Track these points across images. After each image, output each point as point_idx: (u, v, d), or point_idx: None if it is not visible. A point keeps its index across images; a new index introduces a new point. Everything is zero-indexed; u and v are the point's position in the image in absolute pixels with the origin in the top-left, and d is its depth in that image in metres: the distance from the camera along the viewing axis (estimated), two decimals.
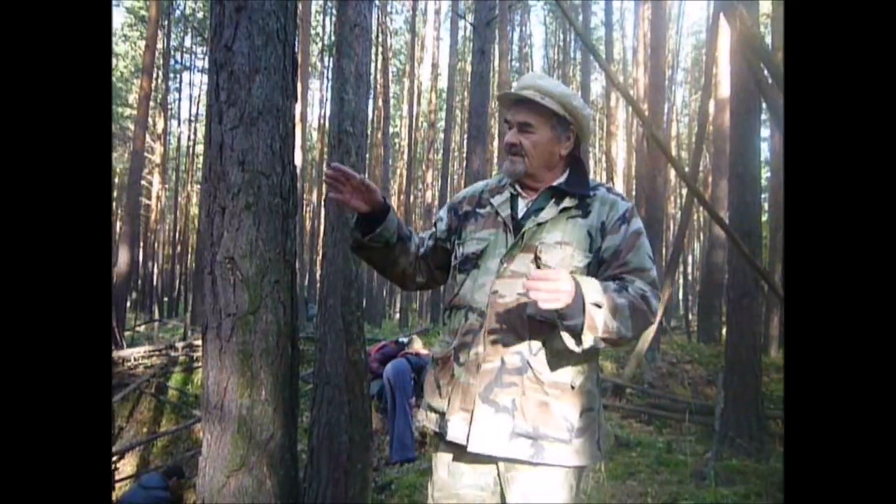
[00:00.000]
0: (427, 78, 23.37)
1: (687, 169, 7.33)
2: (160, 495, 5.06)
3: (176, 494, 5.29)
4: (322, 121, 23.19)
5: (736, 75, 6.07)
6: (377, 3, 19.70)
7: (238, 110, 1.99)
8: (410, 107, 23.78)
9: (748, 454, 5.03)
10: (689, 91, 31.41)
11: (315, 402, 3.67)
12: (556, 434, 1.52)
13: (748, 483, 4.26)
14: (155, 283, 28.99)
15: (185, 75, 30.11)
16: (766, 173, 14.77)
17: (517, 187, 1.69)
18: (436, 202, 20.64)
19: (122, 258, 12.55)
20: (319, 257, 16.18)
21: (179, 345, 10.35)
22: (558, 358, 1.54)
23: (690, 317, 19.07)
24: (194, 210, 27.54)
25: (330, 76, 23.21)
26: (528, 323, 1.53)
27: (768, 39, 11.18)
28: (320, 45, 25.14)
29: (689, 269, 28.27)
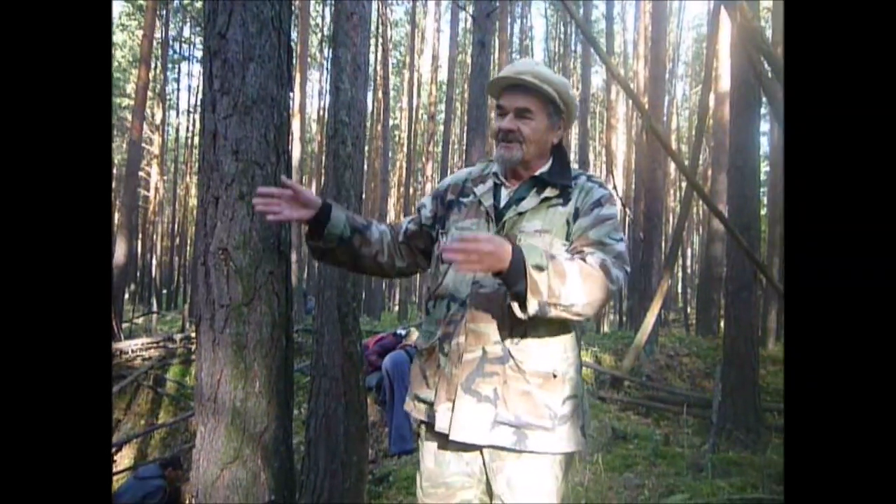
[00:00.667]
0: (427, 70, 23.28)
1: (687, 162, 7.30)
2: (157, 484, 5.06)
3: (173, 486, 5.29)
4: (321, 112, 23.11)
5: (736, 69, 6.04)
6: None
7: (232, 99, 1.97)
8: (410, 99, 23.70)
9: (745, 446, 5.04)
10: (689, 84, 31.34)
11: (312, 393, 3.66)
12: (538, 422, 1.52)
13: (745, 475, 4.26)
14: (153, 274, 28.97)
15: (184, 65, 29.98)
16: (765, 167, 14.75)
17: (500, 176, 1.67)
18: None
19: (120, 250, 12.53)
20: None
21: (177, 337, 10.36)
22: (540, 347, 1.54)
23: (689, 310, 19.11)
24: (193, 202, 27.48)
25: (329, 67, 23.11)
26: (509, 313, 1.51)
27: (769, 33, 11.13)
28: (319, 35, 25.03)
29: (689, 262, 28.27)
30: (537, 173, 1.64)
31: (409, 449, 5.43)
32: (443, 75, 25.16)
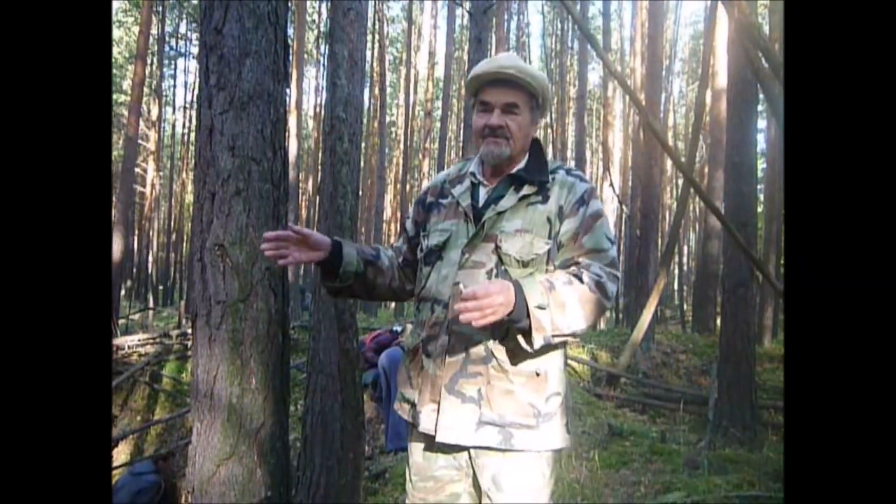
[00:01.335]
0: (424, 66, 23.25)
1: (683, 159, 7.31)
2: (152, 479, 5.06)
3: (169, 482, 5.29)
4: (318, 108, 23.04)
5: (733, 66, 6.05)
6: None
7: (228, 94, 1.96)
8: (407, 95, 23.67)
9: (741, 443, 5.05)
10: (686, 81, 31.34)
11: (308, 390, 3.66)
12: (523, 420, 1.53)
13: (741, 472, 4.28)
14: (149, 271, 28.90)
15: (181, 61, 29.91)
16: (761, 164, 14.78)
17: (477, 175, 1.67)
18: None
19: (117, 246, 12.50)
20: None
21: (174, 333, 10.33)
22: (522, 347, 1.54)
23: (685, 307, 19.13)
24: (189, 198, 27.42)
25: (325, 63, 23.07)
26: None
27: (766, 30, 11.13)
28: (316, 31, 24.96)
29: (685, 259, 28.33)
30: (514, 171, 1.63)
31: (406, 446, 5.43)
32: (439, 72, 25.12)
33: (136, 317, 17.67)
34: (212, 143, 1.96)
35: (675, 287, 25.94)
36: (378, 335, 6.77)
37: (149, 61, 19.07)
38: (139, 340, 10.02)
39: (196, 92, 2.48)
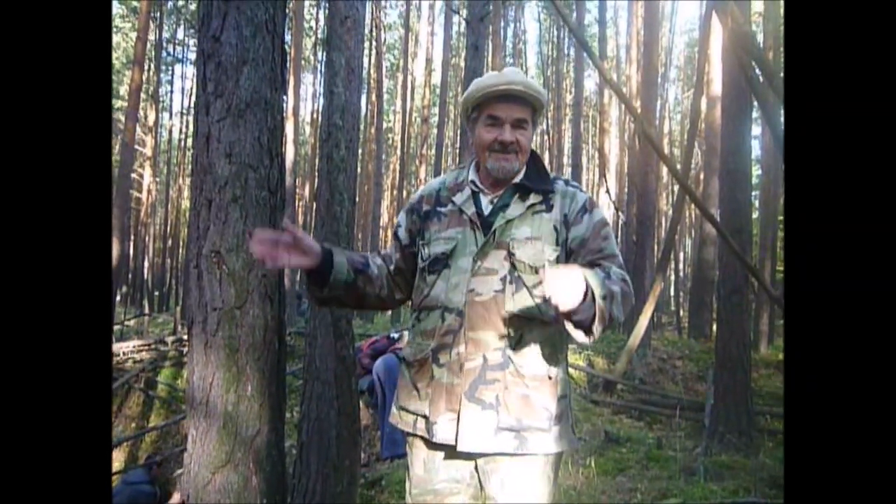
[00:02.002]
0: (421, 73, 23.32)
1: (679, 166, 7.33)
2: (144, 489, 5.03)
3: (164, 490, 5.26)
4: (315, 115, 23.07)
5: (728, 73, 6.09)
6: None
7: (225, 102, 1.97)
8: (404, 102, 23.71)
9: (737, 450, 5.06)
10: (681, 88, 31.47)
11: (304, 397, 3.65)
12: (537, 424, 1.55)
13: (737, 478, 4.28)
14: (145, 276, 28.80)
15: (178, 67, 29.89)
16: (756, 171, 14.83)
17: (478, 184, 1.68)
18: None
19: (113, 251, 12.47)
20: None
21: (169, 339, 10.30)
22: (537, 350, 1.57)
23: (682, 313, 19.15)
24: (186, 204, 27.36)
25: (323, 70, 23.11)
26: (506, 318, 1.55)
27: (760, 38, 11.20)
28: (314, 38, 25.02)
29: (681, 266, 28.39)
30: (517, 180, 1.66)
31: (402, 453, 5.39)
32: (436, 78, 25.17)
33: (132, 323, 17.60)
34: (209, 150, 1.97)
35: (672, 293, 25.99)
36: (374, 342, 6.76)
37: (146, 67, 19.07)
38: (134, 346, 9.98)
39: (193, 97, 2.49)
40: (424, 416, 1.60)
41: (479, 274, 1.57)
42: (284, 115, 2.26)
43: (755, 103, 5.56)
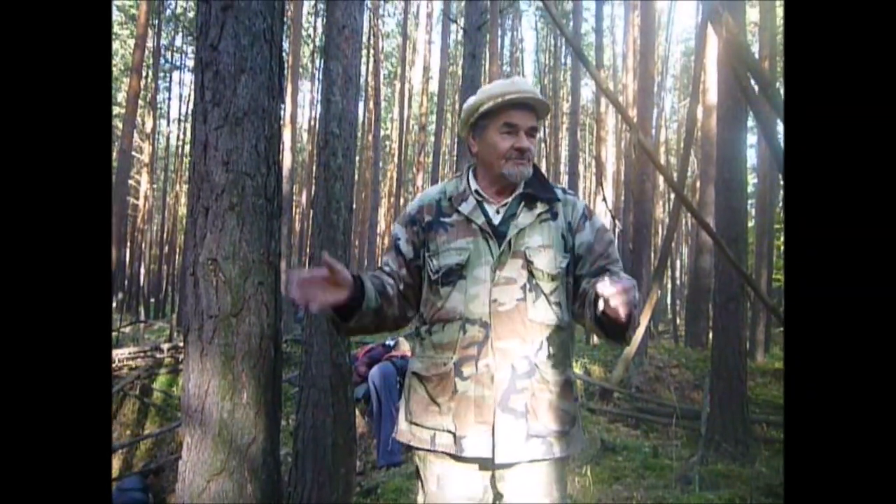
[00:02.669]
0: (418, 81, 23.36)
1: (675, 174, 7.36)
2: (138, 497, 5.00)
3: (159, 498, 5.23)
4: (312, 123, 23.10)
5: (724, 83, 6.11)
6: (368, 5, 19.70)
7: (223, 110, 1.98)
8: (401, 109, 23.78)
9: (733, 458, 5.05)
10: (677, 97, 31.61)
11: (300, 405, 3.64)
12: (561, 428, 1.59)
13: (733, 487, 4.27)
14: (142, 283, 28.72)
15: (175, 74, 29.95)
16: (753, 180, 14.90)
17: (482, 192, 1.68)
18: None
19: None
20: (307, 259, 16.09)
21: (165, 346, 10.26)
22: (556, 356, 1.60)
23: (678, 321, 19.16)
24: (182, 210, 27.31)
25: (320, 77, 23.14)
26: (528, 326, 1.57)
27: (756, 48, 11.27)
28: (311, 47, 25.09)
29: (678, 274, 28.42)
30: (521, 189, 1.67)
31: (397, 461, 5.40)
32: (434, 86, 25.25)
33: (128, 329, 17.51)
34: (206, 157, 1.98)
35: (668, 301, 26.00)
36: (371, 349, 6.74)
37: (144, 74, 19.09)
38: (130, 353, 9.94)
39: (190, 104, 2.50)
40: (449, 432, 1.57)
41: (499, 283, 1.58)
42: (282, 122, 2.27)
43: (751, 112, 5.59)
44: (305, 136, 27.22)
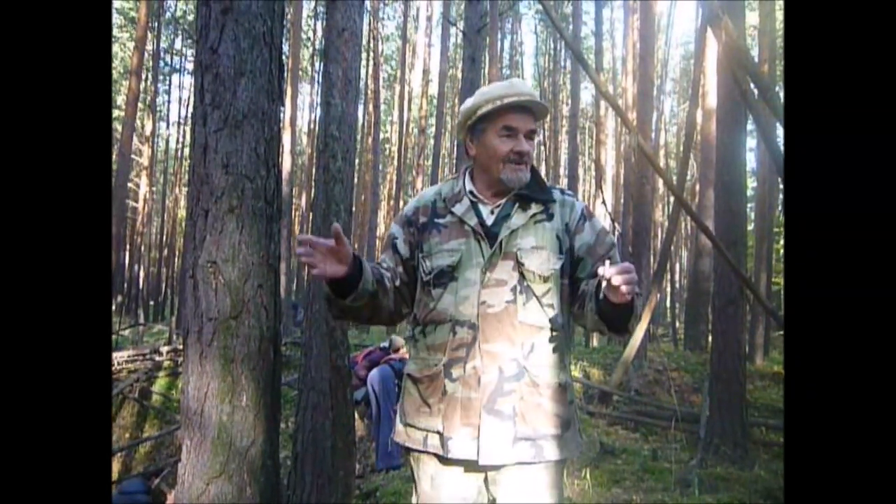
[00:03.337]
0: (418, 84, 23.39)
1: (674, 178, 7.37)
2: (140, 500, 4.97)
3: (159, 500, 5.21)
4: (312, 125, 23.12)
5: (723, 86, 6.12)
6: (368, 8, 19.72)
7: (223, 113, 1.98)
8: (401, 112, 23.79)
9: (732, 462, 5.04)
10: (677, 101, 31.68)
11: (300, 407, 3.64)
12: (552, 431, 1.57)
13: (732, 490, 4.27)
14: (141, 286, 28.69)
15: (175, 77, 29.97)
16: (752, 183, 14.91)
17: (476, 194, 1.67)
18: None
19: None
20: None
21: (164, 349, 10.26)
22: (548, 359, 1.59)
23: (677, 324, 19.17)
24: (181, 213, 27.31)
25: (320, 80, 23.16)
26: (518, 328, 1.56)
27: (756, 51, 11.29)
28: (311, 50, 25.12)
29: (677, 277, 28.42)
30: (518, 190, 1.65)
31: (397, 464, 5.39)
32: (433, 89, 25.28)
33: (127, 332, 17.50)
34: (206, 160, 1.98)
35: (668, 305, 26.00)
36: (370, 352, 6.74)
37: (143, 77, 19.11)
38: (129, 356, 9.94)
39: (190, 108, 2.51)
40: (437, 432, 1.58)
41: (489, 285, 1.57)
42: (281, 125, 2.27)
43: (751, 115, 5.60)
44: (305, 138, 27.26)
